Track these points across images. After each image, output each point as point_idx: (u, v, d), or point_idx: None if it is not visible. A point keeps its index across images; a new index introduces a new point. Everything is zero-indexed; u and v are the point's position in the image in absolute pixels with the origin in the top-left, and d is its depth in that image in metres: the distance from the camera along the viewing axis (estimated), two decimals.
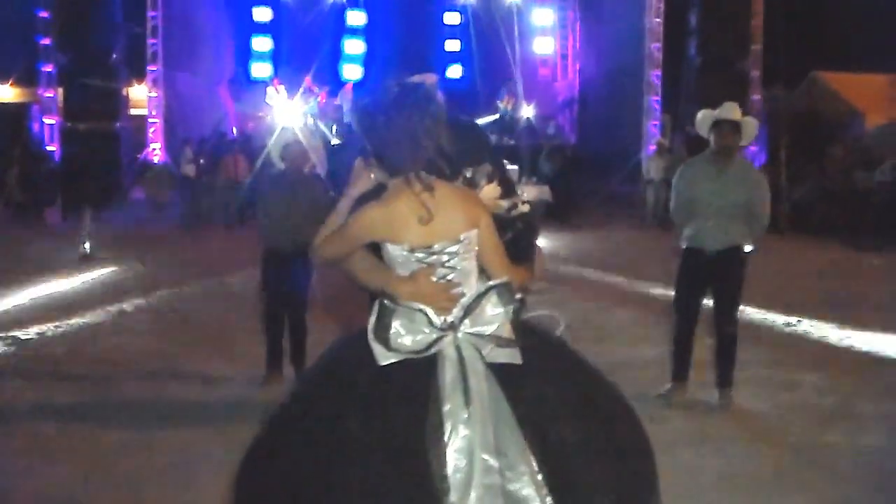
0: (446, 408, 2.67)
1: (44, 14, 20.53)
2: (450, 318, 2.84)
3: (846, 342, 8.36)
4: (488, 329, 2.82)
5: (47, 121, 21.13)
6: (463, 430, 2.65)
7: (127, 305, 9.91)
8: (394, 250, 2.88)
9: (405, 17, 24.53)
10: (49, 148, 20.81)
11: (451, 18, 26.72)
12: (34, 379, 6.98)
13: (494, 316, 2.85)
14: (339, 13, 25.89)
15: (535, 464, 2.66)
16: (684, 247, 6.39)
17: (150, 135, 22.36)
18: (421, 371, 2.76)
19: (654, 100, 22.16)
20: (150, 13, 21.90)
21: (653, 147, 21.12)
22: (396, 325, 2.81)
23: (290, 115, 23.38)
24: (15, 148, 19.94)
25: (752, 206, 6.24)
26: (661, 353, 7.45)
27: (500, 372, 2.79)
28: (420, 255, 2.87)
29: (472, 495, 2.60)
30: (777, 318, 9.28)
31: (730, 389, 6.31)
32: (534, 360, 2.84)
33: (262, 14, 25.63)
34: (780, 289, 10.91)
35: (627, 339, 8.40)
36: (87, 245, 13.60)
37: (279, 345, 6.88)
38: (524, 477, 2.65)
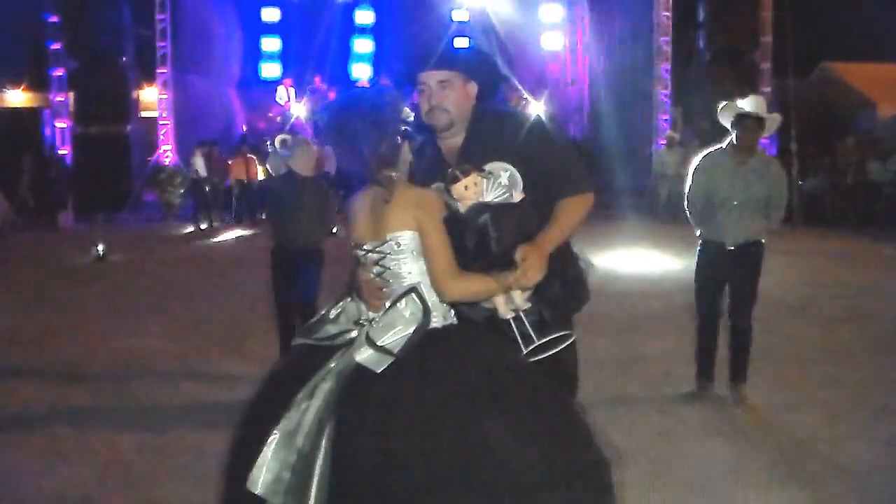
0: (299, 395, 2.84)
1: (53, 19, 20.64)
2: (372, 315, 2.97)
3: (857, 334, 8.33)
4: (388, 331, 2.86)
5: (59, 125, 21.26)
6: (293, 417, 2.81)
7: (140, 307, 9.97)
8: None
9: (414, 16, 24.53)
10: (61, 152, 20.93)
11: (460, 15, 26.70)
12: (49, 381, 7.03)
13: (404, 319, 2.89)
14: (348, 12, 25.92)
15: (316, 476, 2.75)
16: (702, 240, 6.31)
17: (161, 137, 22.45)
18: (322, 357, 2.94)
19: (663, 94, 22.09)
20: (159, 16, 21.98)
21: (663, 141, 21.08)
22: (335, 314, 3.06)
23: (300, 115, 23.46)
24: (27, 152, 20.07)
25: (772, 200, 6.18)
26: (674, 347, 7.46)
27: (362, 374, 2.83)
28: (358, 251, 3.05)
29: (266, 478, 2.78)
30: (788, 310, 9.25)
31: (744, 385, 6.26)
32: (411, 370, 2.80)
33: (270, 14, 25.67)
34: (792, 280, 10.89)
35: (642, 333, 8.40)
36: (100, 247, 13.68)
37: (289, 344, 6.88)
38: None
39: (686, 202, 6.40)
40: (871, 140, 20.87)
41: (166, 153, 22.31)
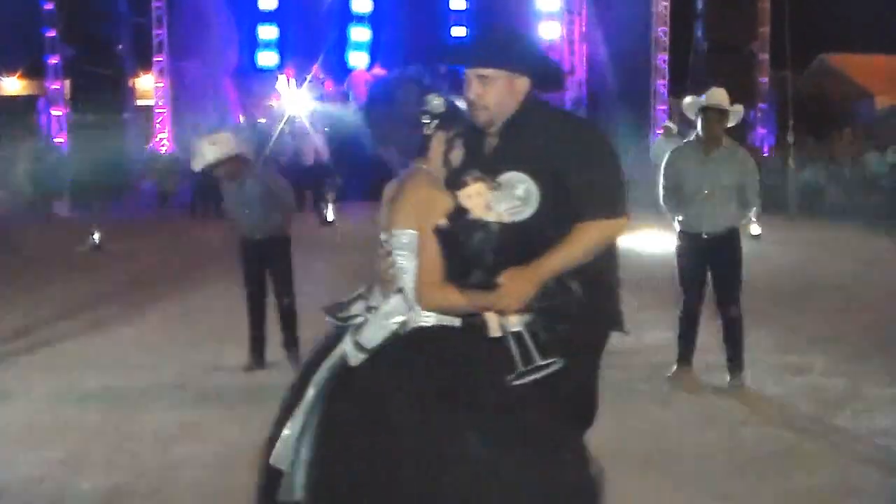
0: (316, 376, 2.92)
1: (49, 6, 20.57)
2: (378, 304, 2.96)
3: (855, 325, 8.33)
4: (370, 327, 2.87)
5: (55, 113, 21.21)
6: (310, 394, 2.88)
7: (136, 295, 9.95)
8: None
9: (411, 4, 24.48)
10: (57, 140, 20.86)
11: (458, 4, 26.65)
12: (43, 369, 7.02)
13: (386, 318, 2.89)
14: (345, 1, 25.84)
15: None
16: (680, 230, 6.46)
17: (157, 125, 22.39)
18: (336, 336, 2.99)
19: (661, 84, 22.09)
20: (155, 3, 21.95)
21: (660, 131, 21.07)
22: (354, 296, 3.06)
23: (297, 103, 23.41)
24: (23, 140, 20.01)
25: (743, 186, 6.31)
26: (672, 338, 7.45)
27: (346, 366, 2.88)
28: (381, 237, 3.02)
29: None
30: (785, 301, 9.26)
31: (741, 372, 6.30)
32: (389, 366, 2.83)
33: (267, 2, 25.59)
34: (789, 271, 10.89)
35: (637, 324, 8.38)
36: (95, 236, 13.65)
37: (258, 332, 7.05)
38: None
39: (661, 196, 6.56)
40: (868, 131, 20.90)
41: (162, 141, 22.25)
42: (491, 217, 2.84)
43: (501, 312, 2.83)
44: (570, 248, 2.94)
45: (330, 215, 16.86)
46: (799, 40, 20.26)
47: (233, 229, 7.28)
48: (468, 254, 2.81)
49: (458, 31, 26.48)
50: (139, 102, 23.34)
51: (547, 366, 2.83)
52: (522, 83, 3.08)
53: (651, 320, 8.50)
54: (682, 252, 6.45)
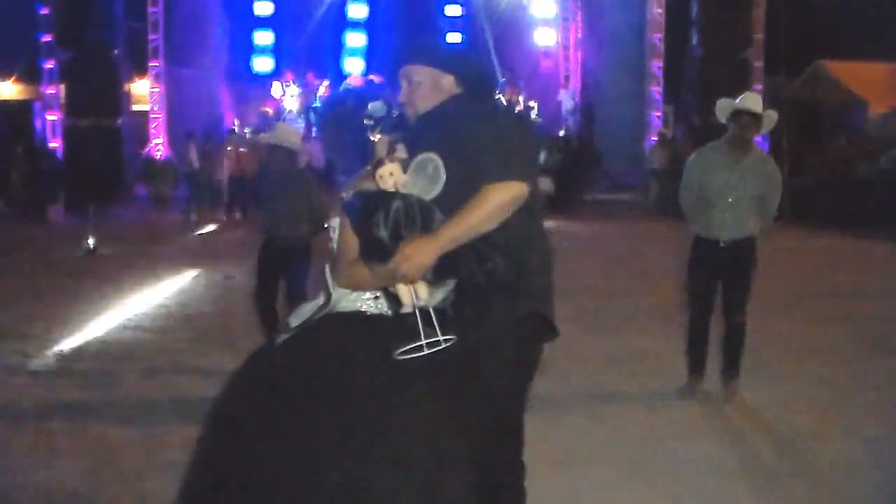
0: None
1: (45, 10, 20.56)
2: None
3: (847, 331, 8.37)
4: (304, 308, 3.07)
5: (50, 117, 21.18)
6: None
7: (131, 301, 9.96)
8: None
9: (406, 10, 24.51)
10: (52, 144, 20.84)
11: (453, 10, 26.69)
12: (40, 375, 7.02)
13: (314, 300, 3.08)
14: (341, 6, 25.88)
15: None
16: (696, 236, 6.29)
17: (153, 130, 22.39)
18: None
19: (655, 90, 22.15)
20: (151, 8, 21.93)
21: (655, 138, 21.13)
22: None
23: (293, 108, 23.43)
24: (18, 145, 20.00)
25: (766, 198, 6.20)
26: (664, 345, 7.47)
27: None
28: None
29: None
30: (777, 307, 9.28)
31: (737, 381, 6.26)
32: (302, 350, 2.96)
33: (263, 8, 25.63)
34: (781, 277, 10.91)
35: (634, 330, 8.41)
36: (90, 241, 13.65)
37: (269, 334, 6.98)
38: None
39: (680, 198, 6.40)
40: (861, 139, 20.94)
41: (158, 146, 22.25)
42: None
43: (405, 282, 2.86)
44: (467, 212, 2.92)
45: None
46: (793, 47, 20.33)
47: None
48: (372, 219, 2.87)
49: (453, 38, 26.53)
50: (135, 107, 23.33)
51: (437, 343, 2.85)
52: (448, 82, 3.18)
53: (643, 326, 8.54)
54: (695, 260, 6.29)
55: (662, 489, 4.75)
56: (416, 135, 3.16)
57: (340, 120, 3.57)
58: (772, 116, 6.17)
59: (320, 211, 7.06)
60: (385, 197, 2.89)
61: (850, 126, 22.59)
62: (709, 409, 6.11)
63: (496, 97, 3.55)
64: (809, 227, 16.97)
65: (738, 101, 6.13)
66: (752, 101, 6.14)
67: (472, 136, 3.02)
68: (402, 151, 3.06)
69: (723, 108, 6.17)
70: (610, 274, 11.65)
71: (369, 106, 2.66)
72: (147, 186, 21.55)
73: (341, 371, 2.83)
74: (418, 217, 2.87)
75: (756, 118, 6.06)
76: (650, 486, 4.78)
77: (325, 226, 7.21)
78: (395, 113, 3.33)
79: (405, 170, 2.95)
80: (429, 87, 3.17)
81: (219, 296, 10.34)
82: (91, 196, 17.52)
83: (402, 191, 2.91)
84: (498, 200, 2.94)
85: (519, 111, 19.44)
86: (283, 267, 6.92)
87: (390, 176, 2.92)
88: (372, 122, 2.57)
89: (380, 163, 2.94)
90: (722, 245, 6.13)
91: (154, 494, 4.71)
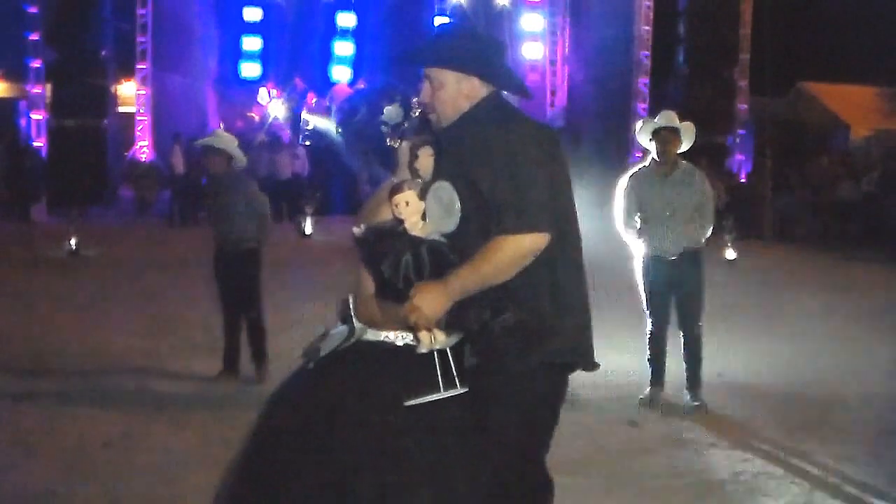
0: None
1: (32, 9, 20.44)
2: None
3: (826, 350, 8.42)
4: (328, 339, 2.94)
5: (34, 116, 21.02)
6: None
7: (113, 302, 9.91)
8: None
9: (395, 20, 24.55)
10: (36, 144, 20.71)
11: (441, 22, 26.75)
12: (18, 373, 6.99)
13: (338, 330, 2.97)
14: (330, 15, 25.89)
15: None
16: (644, 253, 6.51)
17: (138, 132, 22.30)
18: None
19: (641, 107, 22.26)
20: (140, 10, 21.84)
21: (639, 154, 21.22)
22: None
23: (279, 115, 23.43)
24: (1, 143, 19.86)
25: (702, 206, 6.42)
26: (640, 359, 7.49)
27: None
28: None
29: None
30: (755, 326, 9.34)
31: (700, 390, 6.39)
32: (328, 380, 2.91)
33: (252, 14, 25.61)
34: (761, 297, 10.99)
35: (614, 344, 8.42)
36: (73, 241, 13.58)
37: (233, 342, 7.05)
38: None
39: (624, 223, 6.55)
40: (844, 160, 21.14)
41: (143, 149, 22.16)
42: (417, 228, 2.81)
43: (417, 328, 2.73)
44: (478, 262, 2.75)
45: (308, 228, 16.84)
46: (778, 68, 20.52)
47: (210, 239, 7.28)
48: (382, 264, 2.79)
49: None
50: (121, 109, 23.22)
51: (453, 386, 2.77)
52: (471, 85, 2.97)
53: (620, 341, 8.56)
54: (647, 275, 6.52)
55: (638, 502, 4.77)
56: (442, 146, 2.97)
57: (357, 132, 3.52)
58: (689, 128, 6.42)
59: (262, 211, 7.08)
60: (395, 242, 2.78)
61: (832, 147, 22.81)
62: (686, 423, 6.14)
63: (524, 92, 3.19)
64: (791, 246, 17.09)
65: (655, 120, 6.47)
66: (667, 118, 6.44)
67: (489, 175, 2.80)
68: (427, 155, 2.92)
69: (643, 129, 6.49)
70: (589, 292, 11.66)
71: (384, 112, 2.63)
72: (130, 189, 21.44)
73: (359, 407, 2.79)
74: (428, 266, 2.77)
75: (675, 132, 6.36)
76: (628, 500, 4.80)
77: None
78: (415, 113, 3.05)
79: (422, 194, 2.82)
80: (452, 92, 2.97)
81: (200, 299, 10.29)
82: (74, 196, 17.44)
83: (415, 230, 2.80)
84: (510, 255, 2.77)
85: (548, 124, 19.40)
86: (235, 274, 7.00)
87: (406, 206, 2.79)
88: (388, 130, 2.54)
89: (397, 189, 2.82)
90: (672, 258, 6.35)
91: (129, 497, 4.70)
